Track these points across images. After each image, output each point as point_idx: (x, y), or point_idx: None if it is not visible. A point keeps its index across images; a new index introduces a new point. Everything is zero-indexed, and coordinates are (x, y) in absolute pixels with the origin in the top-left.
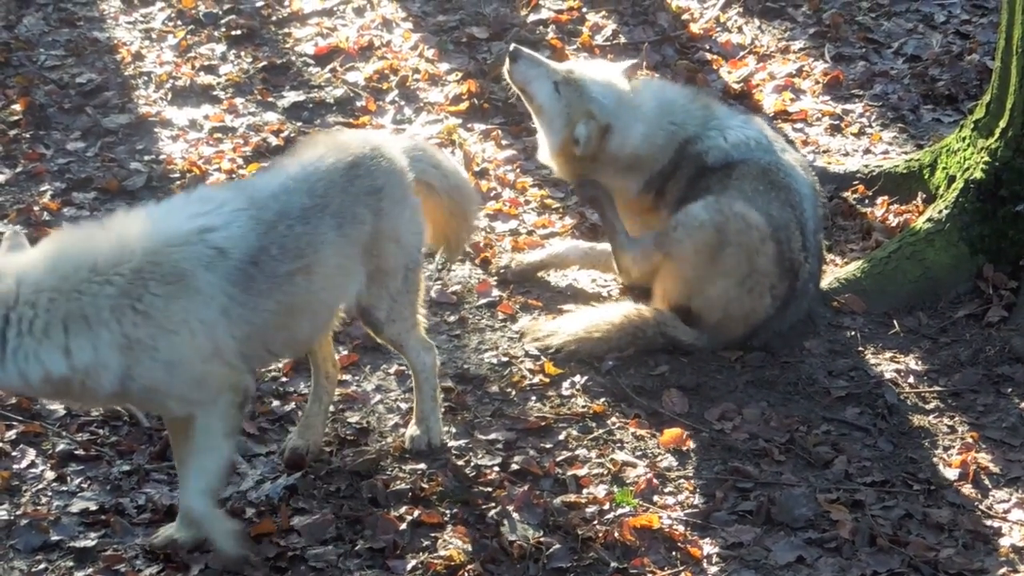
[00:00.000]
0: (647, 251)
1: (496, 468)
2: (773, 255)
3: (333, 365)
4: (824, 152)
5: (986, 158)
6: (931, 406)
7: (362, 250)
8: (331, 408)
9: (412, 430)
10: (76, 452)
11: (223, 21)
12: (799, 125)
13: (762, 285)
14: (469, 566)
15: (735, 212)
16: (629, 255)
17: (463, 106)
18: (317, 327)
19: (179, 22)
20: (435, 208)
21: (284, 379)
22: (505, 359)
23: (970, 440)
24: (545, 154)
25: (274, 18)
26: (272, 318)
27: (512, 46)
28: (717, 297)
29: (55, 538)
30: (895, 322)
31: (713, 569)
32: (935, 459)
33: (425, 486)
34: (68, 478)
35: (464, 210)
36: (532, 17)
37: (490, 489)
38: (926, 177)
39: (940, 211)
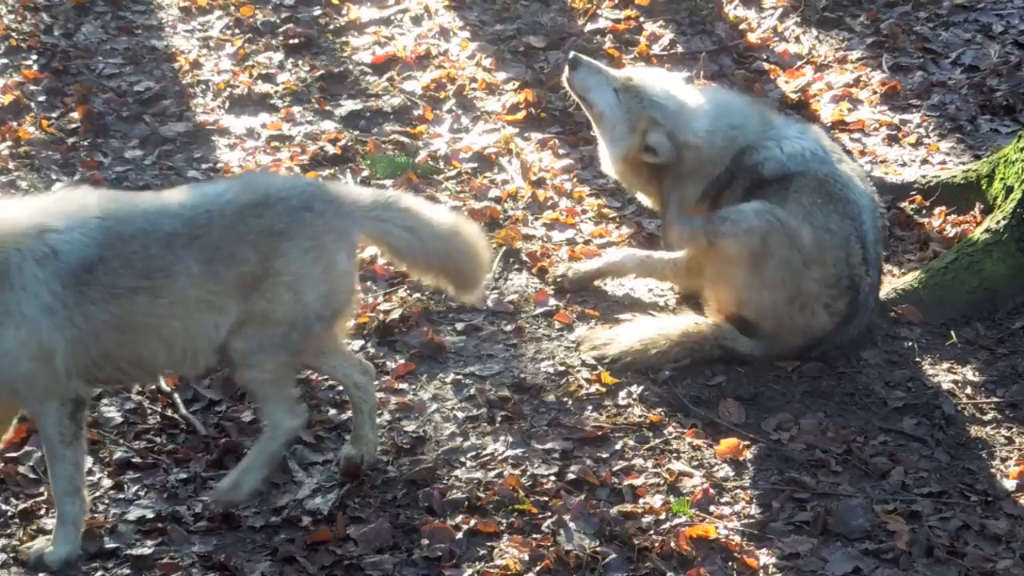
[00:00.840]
0: (695, 232)
1: (552, 477)
2: (821, 278)
3: (363, 372)
4: (882, 162)
5: None
6: (988, 417)
7: (239, 290)
8: (378, 415)
9: (227, 480)
10: (133, 460)
11: (281, 30)
12: (856, 135)
13: (814, 304)
14: (526, 575)
15: (786, 226)
16: (676, 229)
17: (520, 115)
18: (175, 357)
19: (237, 31)
20: (414, 267)
21: (341, 388)
22: (562, 368)
23: None
24: (607, 162)
25: (331, 27)
26: (109, 331)
27: (572, 54)
28: (767, 308)
29: (111, 545)
30: (952, 333)
31: None
32: (992, 470)
33: (482, 495)
34: (125, 486)
35: (459, 269)
36: (589, 26)
37: (546, 498)
38: (984, 187)
39: (998, 222)
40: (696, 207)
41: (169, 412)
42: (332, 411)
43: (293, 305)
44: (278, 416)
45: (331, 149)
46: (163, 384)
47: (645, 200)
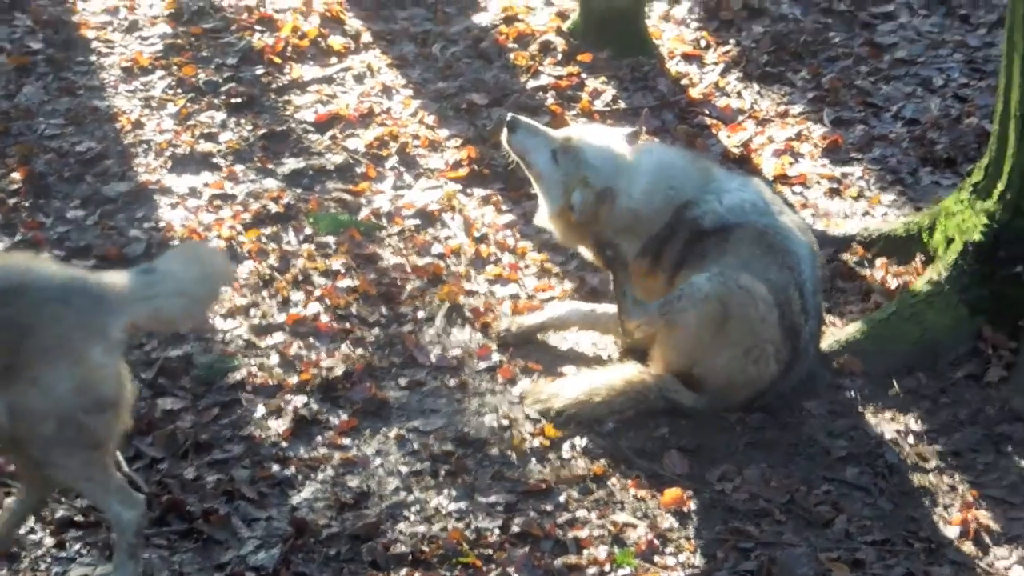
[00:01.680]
0: (652, 318)
1: (497, 530)
2: (776, 322)
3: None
4: (823, 215)
5: (984, 220)
6: (931, 465)
7: None
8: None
9: None
10: (75, 519)
11: (223, 89)
12: (798, 188)
13: (767, 353)
14: None
15: (740, 285)
16: (634, 320)
17: (463, 172)
18: None
19: (179, 90)
20: (191, 320)
21: (284, 444)
22: (505, 422)
23: (970, 498)
24: (544, 219)
25: (274, 86)
26: None
27: (509, 115)
28: (720, 366)
29: None
30: (895, 383)
31: None
32: (936, 518)
33: (426, 549)
34: (67, 544)
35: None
36: (532, 83)
37: (491, 551)
38: (925, 239)
39: (939, 273)
40: (636, 263)
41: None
42: (275, 467)
43: (44, 400)
44: (115, 511)
45: (274, 207)
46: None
47: (587, 254)
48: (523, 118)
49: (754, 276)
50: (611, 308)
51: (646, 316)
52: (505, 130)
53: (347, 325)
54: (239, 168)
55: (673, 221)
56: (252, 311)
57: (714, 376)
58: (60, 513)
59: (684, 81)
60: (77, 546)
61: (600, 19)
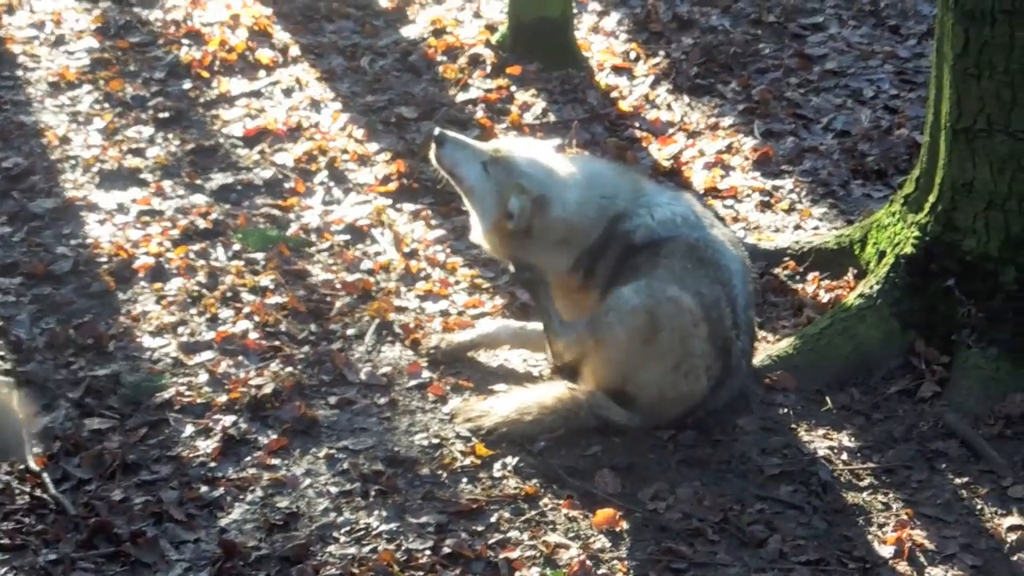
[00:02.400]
0: (581, 337)
1: (428, 552)
2: (707, 336)
3: None
4: (755, 228)
5: (916, 233)
6: (865, 483)
7: None
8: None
9: None
10: (2, 541)
11: (151, 104)
12: (729, 202)
13: (698, 368)
14: None
15: (667, 296)
16: (562, 341)
17: (392, 186)
18: None
19: (106, 105)
20: None
21: (212, 464)
22: (436, 441)
23: (904, 517)
24: (478, 234)
25: (202, 100)
26: None
27: (437, 130)
28: (651, 381)
29: None
30: (828, 399)
31: None
32: (870, 536)
33: (356, 571)
34: None
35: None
36: (461, 96)
37: (422, 573)
38: (857, 252)
39: (871, 287)
40: (569, 277)
41: (38, 492)
42: (203, 488)
43: None
44: None
45: (202, 223)
46: (32, 463)
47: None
48: (451, 132)
49: (684, 288)
50: (541, 326)
51: (574, 335)
52: (433, 145)
53: (276, 343)
54: (167, 184)
55: (606, 235)
56: (180, 329)
57: (646, 392)
58: None
59: (614, 94)
60: (3, 569)
61: (529, 31)
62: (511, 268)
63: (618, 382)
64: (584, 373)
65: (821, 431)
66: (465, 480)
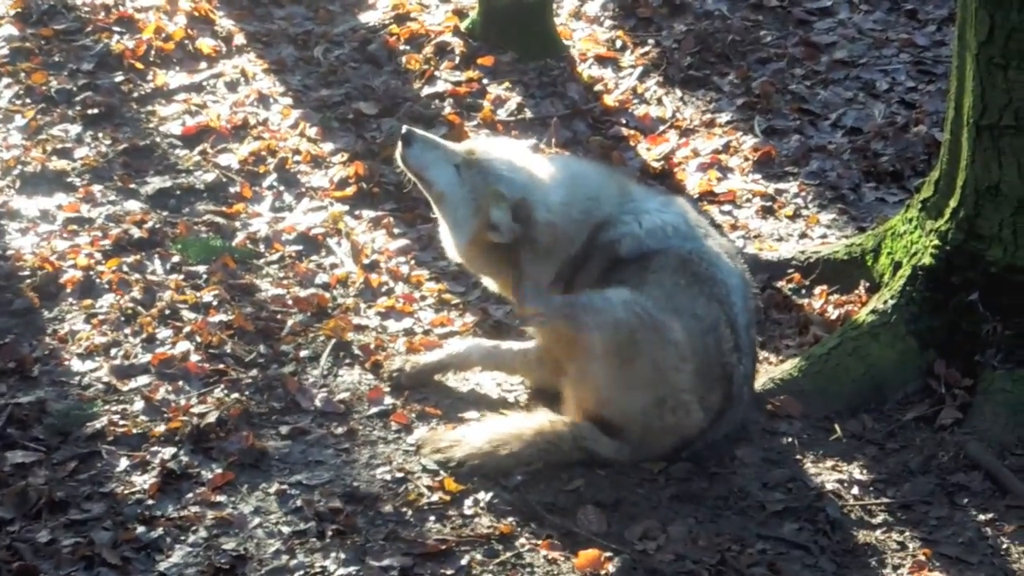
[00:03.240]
0: (553, 313)
1: None
2: (694, 371)
3: None
4: (755, 237)
5: (935, 241)
6: (878, 520)
7: None
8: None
9: None
10: None
11: (78, 99)
12: (727, 207)
13: (687, 403)
14: None
15: (656, 322)
16: (532, 307)
17: (350, 191)
18: None
19: (28, 100)
20: None
21: (150, 501)
22: (400, 475)
23: (922, 558)
24: (451, 246)
25: (136, 95)
26: None
27: (404, 128)
28: (633, 412)
29: None
30: (837, 427)
31: None
32: None
33: None
34: None
35: None
36: (427, 90)
37: None
38: (869, 264)
39: (885, 301)
40: (550, 291)
41: None
42: (140, 528)
43: None
44: None
45: (137, 232)
46: None
47: (491, 285)
48: (419, 131)
49: (676, 314)
50: (517, 345)
51: (545, 307)
52: (399, 145)
53: (221, 366)
54: (97, 188)
55: (589, 244)
56: (113, 351)
57: (629, 422)
58: None
59: (598, 87)
60: None
61: (503, 17)
62: (486, 281)
63: (598, 406)
64: (566, 397)
65: (829, 462)
66: (432, 518)
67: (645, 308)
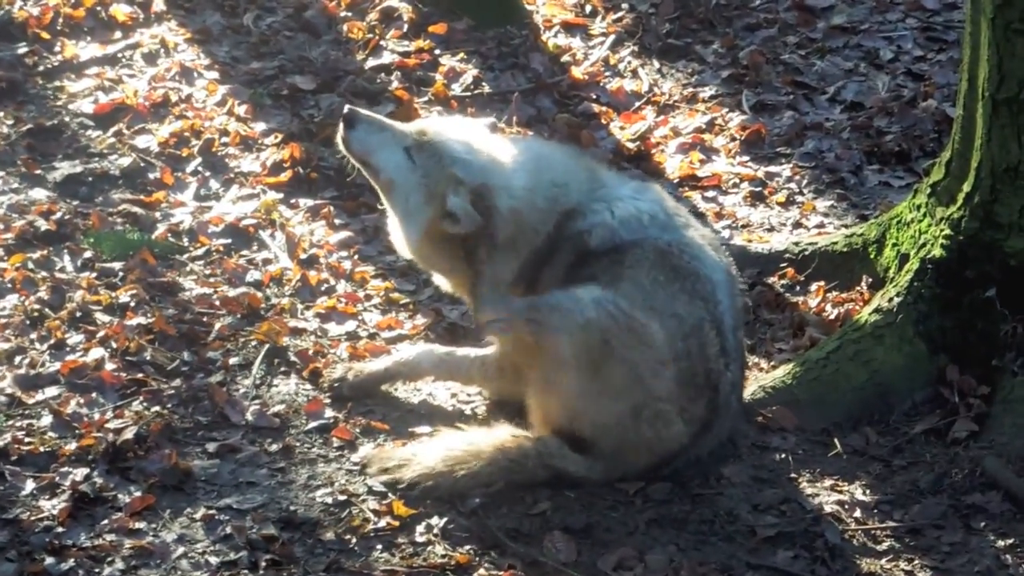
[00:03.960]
0: (514, 317)
1: None
2: (675, 377)
3: None
4: (743, 227)
5: (947, 231)
6: (884, 547)
7: None
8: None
9: None
10: None
11: None
12: (711, 193)
13: (667, 412)
14: None
15: (632, 322)
16: (490, 311)
17: (284, 176)
18: None
19: None
20: None
21: (60, 529)
22: (343, 498)
23: None
24: (401, 240)
25: (41, 68)
26: None
27: (346, 108)
28: (605, 423)
29: None
30: (836, 441)
31: None
32: None
33: None
34: None
35: None
36: (371, 62)
37: None
38: (872, 256)
39: (890, 299)
40: (512, 290)
41: None
42: (49, 559)
43: None
44: None
45: (43, 224)
46: None
47: (445, 284)
48: (363, 111)
49: (654, 314)
50: (474, 351)
51: (507, 312)
52: (341, 127)
53: (139, 375)
54: None
55: (555, 235)
56: (17, 359)
57: (603, 436)
58: None
59: (565, 58)
60: None
61: None
62: (438, 279)
63: (567, 419)
64: (530, 408)
65: (828, 481)
66: (380, 547)
67: (619, 306)
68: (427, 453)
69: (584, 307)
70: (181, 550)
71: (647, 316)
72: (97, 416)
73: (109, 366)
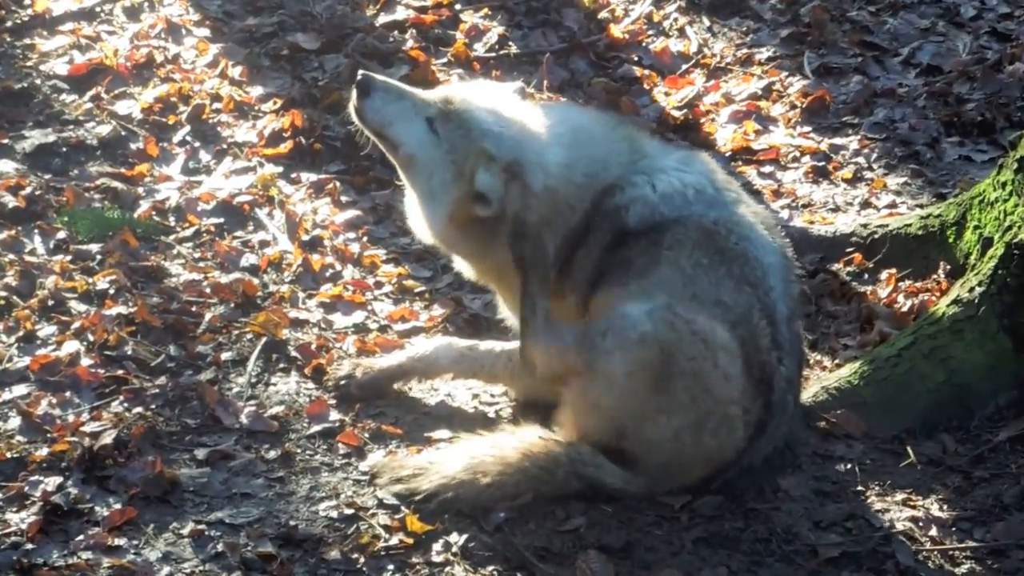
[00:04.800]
0: (566, 351)
1: None
2: (742, 373)
3: None
4: (804, 206)
5: None
6: (963, 569)
7: None
8: None
9: None
10: None
11: None
12: (768, 168)
13: (731, 417)
14: None
15: (694, 329)
16: (542, 346)
17: (285, 147)
18: None
19: None
20: None
21: (30, 545)
22: (349, 511)
23: None
24: (423, 224)
25: (9, 24)
26: None
27: (360, 74)
28: (661, 439)
29: None
30: (909, 449)
31: None
32: None
33: None
34: None
35: None
36: (383, 18)
37: None
38: (951, 240)
39: (971, 289)
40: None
41: None
42: None
43: None
44: None
45: (11, 200)
46: None
47: (467, 269)
48: (379, 77)
49: (699, 304)
50: (499, 345)
51: (562, 343)
52: (354, 95)
53: (119, 372)
54: None
55: (592, 212)
56: None
57: (653, 452)
58: None
59: (603, 14)
60: None
61: None
62: (460, 264)
63: (613, 437)
64: (563, 416)
65: (900, 495)
66: (391, 567)
67: (676, 313)
68: (446, 461)
69: (636, 320)
70: (166, 570)
71: (708, 321)
72: (72, 418)
73: (85, 361)
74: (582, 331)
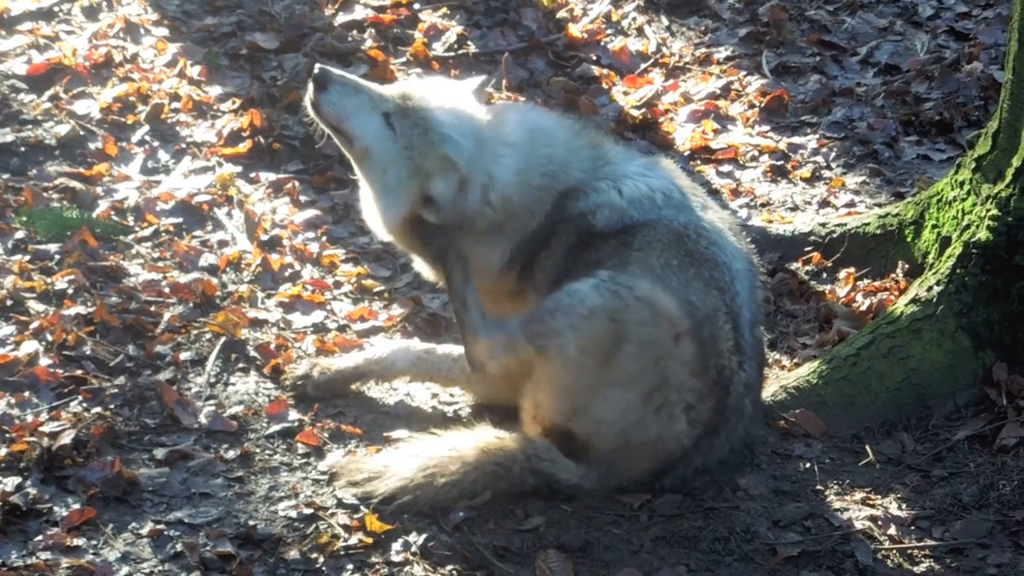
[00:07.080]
0: (512, 340)
1: None
2: (691, 360)
3: None
4: (763, 206)
5: (994, 211)
6: (922, 568)
7: None
8: None
9: None
10: None
11: None
12: (726, 167)
13: (673, 403)
14: None
15: (639, 296)
16: (485, 342)
17: (243, 147)
18: None
19: None
20: None
21: None
22: (309, 511)
23: None
24: (376, 218)
25: None
26: None
27: (317, 67)
28: (610, 417)
29: None
30: (868, 448)
31: None
32: None
33: None
34: None
35: None
36: (342, 18)
37: None
38: (909, 239)
39: (930, 288)
40: (501, 278)
41: None
42: None
43: None
44: None
45: None
46: None
47: (425, 270)
48: (336, 71)
49: (665, 288)
50: (456, 349)
51: (503, 336)
52: (310, 88)
53: (78, 372)
54: None
55: (554, 215)
56: None
57: (601, 434)
58: None
59: (561, 13)
60: None
61: None
62: (418, 263)
63: (565, 417)
64: (523, 408)
65: (859, 494)
66: (351, 567)
67: (620, 282)
68: (403, 463)
69: (585, 295)
70: (125, 570)
71: (657, 288)
72: (30, 418)
73: (44, 361)
74: (528, 315)
